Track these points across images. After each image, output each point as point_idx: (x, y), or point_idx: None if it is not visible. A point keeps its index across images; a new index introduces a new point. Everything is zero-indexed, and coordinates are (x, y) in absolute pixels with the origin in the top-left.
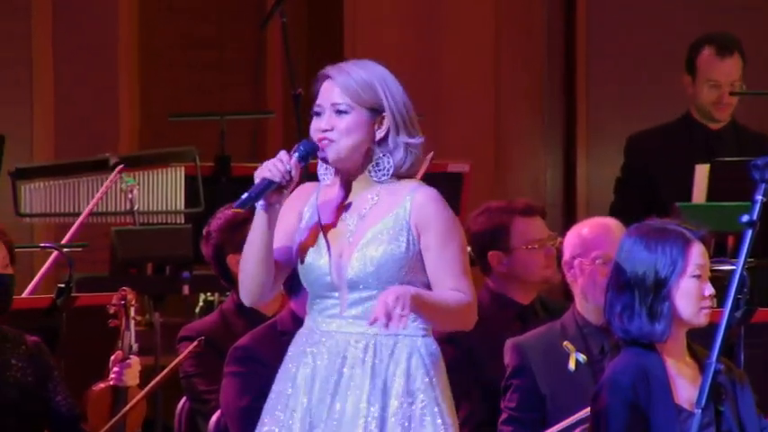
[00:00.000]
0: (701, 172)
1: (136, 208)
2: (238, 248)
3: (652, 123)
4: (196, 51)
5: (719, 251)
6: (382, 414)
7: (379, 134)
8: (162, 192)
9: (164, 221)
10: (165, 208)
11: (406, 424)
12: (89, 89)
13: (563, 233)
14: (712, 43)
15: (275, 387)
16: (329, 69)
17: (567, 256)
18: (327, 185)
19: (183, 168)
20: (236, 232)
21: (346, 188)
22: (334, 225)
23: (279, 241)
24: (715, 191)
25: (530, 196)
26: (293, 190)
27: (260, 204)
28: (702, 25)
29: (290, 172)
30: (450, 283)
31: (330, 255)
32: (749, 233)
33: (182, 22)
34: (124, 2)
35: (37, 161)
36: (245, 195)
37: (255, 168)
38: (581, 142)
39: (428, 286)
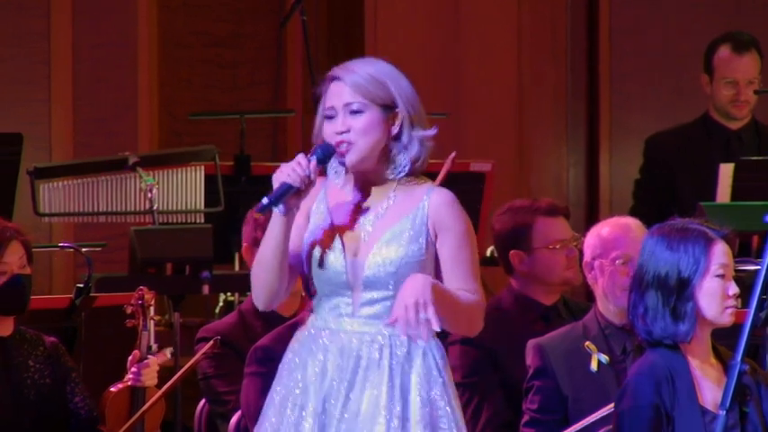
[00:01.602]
0: (726, 171)
1: (155, 207)
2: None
3: (676, 122)
4: (216, 50)
5: (744, 251)
6: (404, 414)
7: (394, 130)
8: (181, 191)
9: (183, 221)
10: (184, 207)
11: (426, 427)
12: (108, 88)
13: (585, 233)
14: (728, 41)
15: (280, 384)
16: (336, 70)
17: (587, 257)
18: (337, 186)
19: (202, 167)
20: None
21: (360, 188)
22: (348, 225)
23: (292, 243)
24: (739, 190)
25: (552, 195)
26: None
27: (279, 209)
28: (727, 24)
29: (308, 176)
30: (461, 284)
31: (345, 254)
32: None
33: (201, 20)
34: (143, 0)
35: (55, 160)
36: (265, 200)
37: (275, 168)
38: (604, 141)
39: None
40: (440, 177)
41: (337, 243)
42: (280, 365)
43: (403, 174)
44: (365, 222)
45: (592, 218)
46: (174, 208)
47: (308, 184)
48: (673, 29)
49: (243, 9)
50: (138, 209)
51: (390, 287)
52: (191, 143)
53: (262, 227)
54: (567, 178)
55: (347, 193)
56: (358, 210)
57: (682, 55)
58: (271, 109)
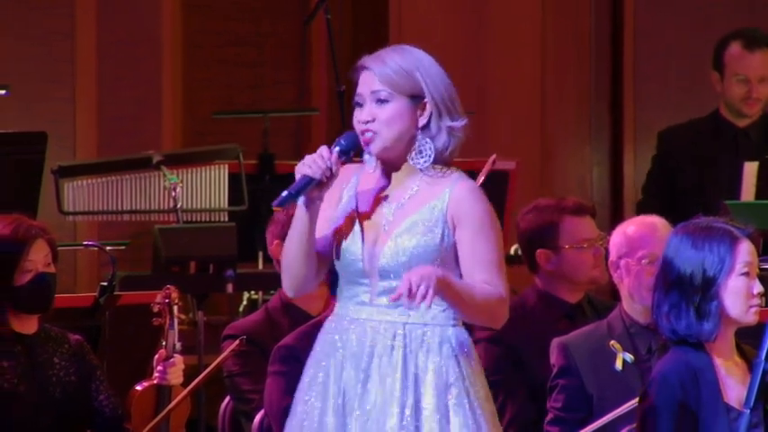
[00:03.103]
0: (750, 170)
1: (179, 206)
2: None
3: None
4: (240, 48)
5: None
6: (417, 405)
7: (422, 121)
8: (205, 190)
9: (207, 219)
10: (208, 206)
11: (440, 417)
12: (132, 86)
13: (609, 232)
14: (739, 38)
15: (306, 374)
16: (366, 59)
17: (612, 256)
18: (369, 171)
19: (226, 166)
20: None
21: (387, 176)
22: (371, 212)
23: (321, 230)
24: (764, 189)
25: (576, 195)
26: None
27: (301, 200)
28: (748, 21)
29: (330, 168)
30: (480, 275)
31: (364, 241)
32: None
33: (225, 19)
34: None
35: (80, 159)
36: (284, 193)
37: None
38: (628, 141)
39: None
40: (479, 179)
41: (357, 230)
42: (309, 357)
43: (428, 163)
44: (387, 211)
45: (616, 218)
46: (198, 206)
47: (330, 176)
48: (696, 29)
49: (266, 8)
50: (161, 207)
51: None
52: (214, 142)
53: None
54: (590, 178)
55: (375, 181)
56: (382, 198)
57: (707, 56)
58: (295, 108)
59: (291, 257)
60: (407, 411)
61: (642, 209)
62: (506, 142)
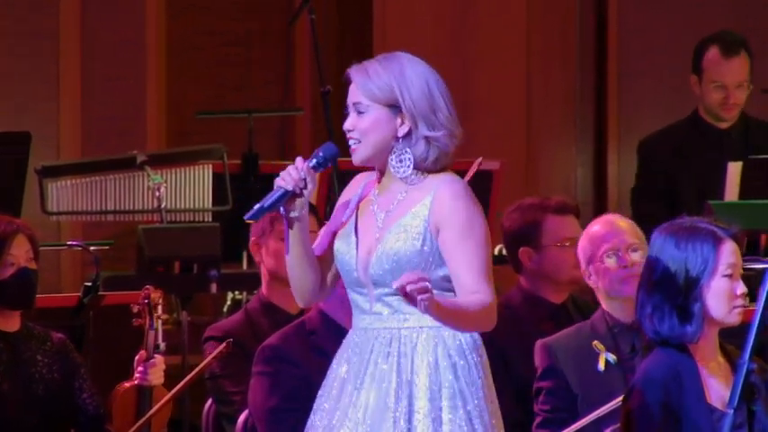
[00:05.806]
0: (734, 170)
1: (163, 206)
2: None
3: None
4: (224, 49)
5: (752, 250)
6: (410, 408)
7: (402, 130)
8: (189, 190)
9: (191, 220)
10: (192, 206)
11: (433, 419)
12: (117, 86)
13: None
14: (717, 43)
15: (324, 383)
16: (351, 70)
17: (582, 265)
18: (373, 179)
19: (210, 166)
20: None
21: (380, 184)
22: (364, 222)
23: (325, 237)
24: (747, 189)
25: (560, 195)
26: (311, 195)
27: (281, 211)
28: (737, 23)
29: (304, 179)
30: (466, 280)
31: (358, 251)
32: None
33: (210, 19)
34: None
35: (63, 159)
36: (257, 205)
37: (284, 166)
38: (612, 141)
39: (448, 279)
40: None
41: (352, 241)
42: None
43: (407, 172)
44: (378, 219)
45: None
46: (182, 207)
47: (304, 187)
48: (680, 27)
49: (251, 8)
50: (146, 207)
51: (392, 284)
52: (199, 142)
53: (270, 217)
54: (575, 178)
55: (371, 190)
56: (374, 206)
57: (689, 55)
58: (279, 108)
59: (289, 268)
60: (401, 419)
61: (640, 221)
62: (491, 143)
